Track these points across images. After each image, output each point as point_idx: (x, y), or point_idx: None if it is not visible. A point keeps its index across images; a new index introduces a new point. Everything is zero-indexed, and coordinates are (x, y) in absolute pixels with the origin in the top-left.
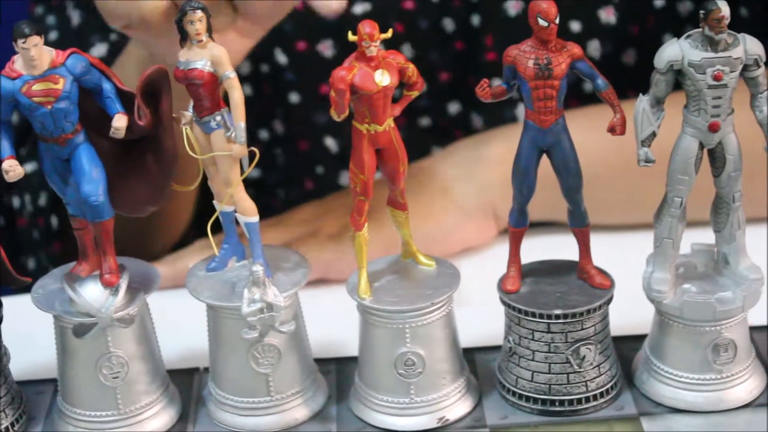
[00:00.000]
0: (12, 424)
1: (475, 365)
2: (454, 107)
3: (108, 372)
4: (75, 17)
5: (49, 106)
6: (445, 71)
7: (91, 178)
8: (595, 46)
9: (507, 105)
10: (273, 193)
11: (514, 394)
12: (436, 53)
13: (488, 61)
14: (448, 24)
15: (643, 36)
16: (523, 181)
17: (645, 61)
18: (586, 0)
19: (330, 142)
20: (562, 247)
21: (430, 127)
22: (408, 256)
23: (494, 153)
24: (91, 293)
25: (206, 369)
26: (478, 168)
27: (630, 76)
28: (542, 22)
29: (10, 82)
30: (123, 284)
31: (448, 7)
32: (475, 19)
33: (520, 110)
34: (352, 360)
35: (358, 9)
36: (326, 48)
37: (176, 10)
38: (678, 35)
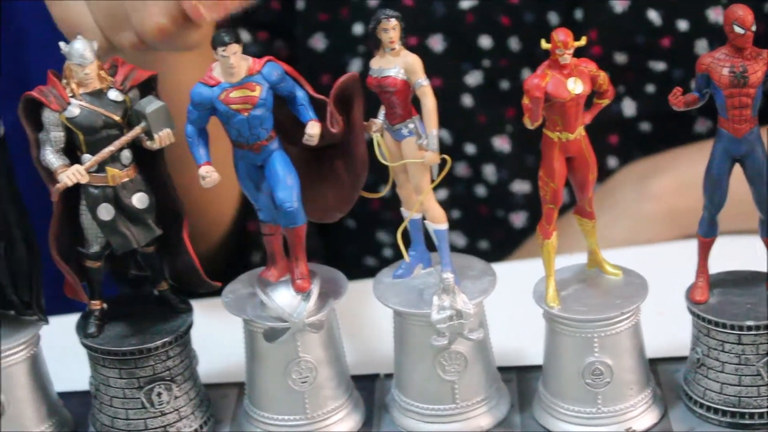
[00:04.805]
0: (201, 426)
1: (658, 375)
2: None
3: (297, 376)
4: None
5: (246, 113)
6: None
7: (286, 185)
8: (702, 46)
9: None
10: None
11: (701, 406)
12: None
13: (592, 55)
14: (553, 18)
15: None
16: (715, 190)
17: None
18: None
19: (442, 134)
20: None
21: None
22: (594, 265)
23: (658, 187)
24: (283, 298)
25: (387, 375)
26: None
27: None
28: (738, 30)
29: (208, 90)
30: (315, 290)
31: (552, 1)
32: (578, 14)
33: (626, 103)
34: (532, 368)
35: (465, 4)
36: (436, 43)
37: (176, 26)
38: None
